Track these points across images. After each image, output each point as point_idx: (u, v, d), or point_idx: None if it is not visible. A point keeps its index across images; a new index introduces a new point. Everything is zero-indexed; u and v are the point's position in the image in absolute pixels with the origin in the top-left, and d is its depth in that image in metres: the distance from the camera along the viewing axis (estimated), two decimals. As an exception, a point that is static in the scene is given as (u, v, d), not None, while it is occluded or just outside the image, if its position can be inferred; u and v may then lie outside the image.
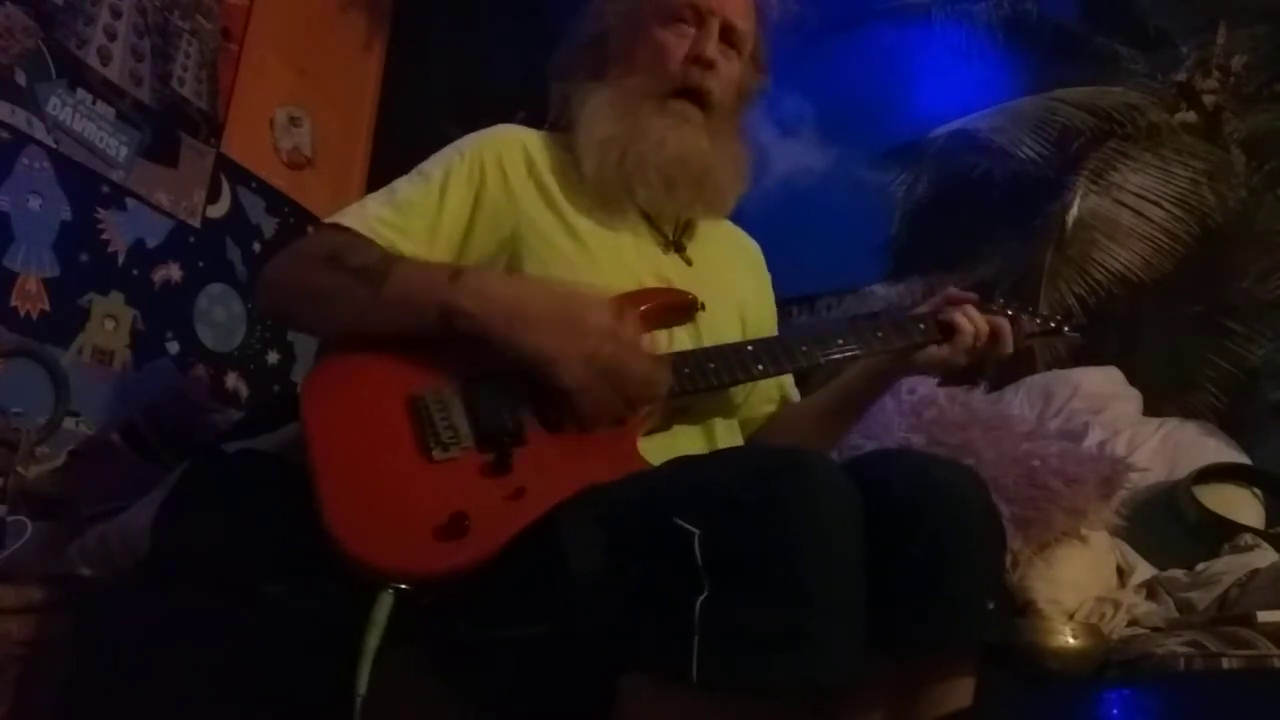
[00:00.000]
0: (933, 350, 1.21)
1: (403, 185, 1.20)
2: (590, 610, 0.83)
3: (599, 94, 1.24)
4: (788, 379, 1.37)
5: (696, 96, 1.23)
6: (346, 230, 1.14)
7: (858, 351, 1.20)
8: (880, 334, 1.21)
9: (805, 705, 0.85)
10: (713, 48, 1.23)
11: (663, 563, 0.80)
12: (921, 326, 1.23)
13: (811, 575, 0.78)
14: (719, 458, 1.00)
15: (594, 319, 1.01)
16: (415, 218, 1.16)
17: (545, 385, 1.01)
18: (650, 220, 1.27)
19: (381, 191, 1.20)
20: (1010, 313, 1.30)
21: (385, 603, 0.86)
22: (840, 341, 1.19)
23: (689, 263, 1.26)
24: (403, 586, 0.87)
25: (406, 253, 1.13)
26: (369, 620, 0.85)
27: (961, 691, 0.92)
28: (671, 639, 0.77)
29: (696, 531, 0.79)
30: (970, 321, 1.20)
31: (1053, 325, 1.37)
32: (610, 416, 1.02)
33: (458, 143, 1.25)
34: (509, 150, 1.23)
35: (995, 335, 1.23)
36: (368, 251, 1.10)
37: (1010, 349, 1.24)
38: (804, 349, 1.17)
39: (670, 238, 1.28)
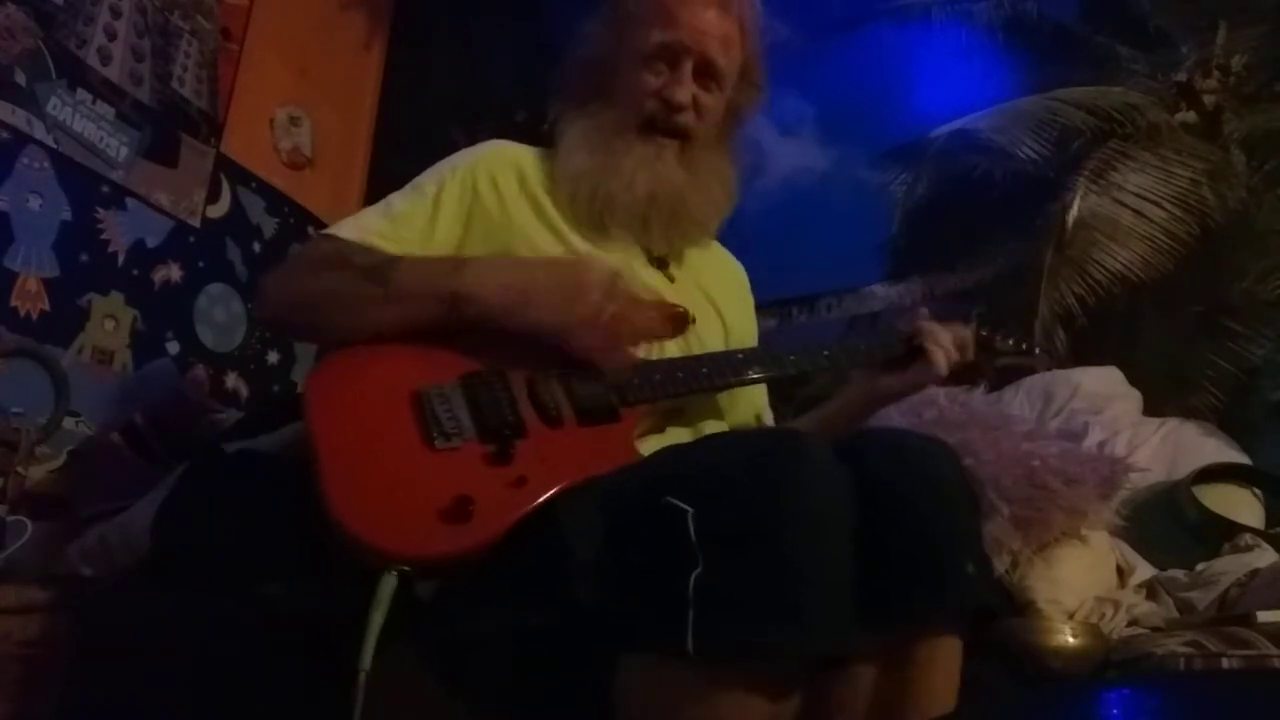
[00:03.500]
0: (909, 375, 1.29)
1: (397, 199, 1.25)
2: (590, 594, 0.84)
3: (578, 124, 1.29)
4: (764, 404, 1.41)
5: (670, 133, 1.27)
6: (344, 240, 1.18)
7: (844, 362, 1.29)
8: (864, 347, 1.30)
9: (800, 678, 0.85)
10: (683, 91, 1.26)
11: (658, 541, 0.82)
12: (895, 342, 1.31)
13: (802, 548, 0.80)
14: (711, 441, 1.03)
15: (591, 281, 1.08)
16: (409, 229, 1.20)
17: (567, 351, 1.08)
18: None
19: (377, 205, 1.25)
20: (984, 333, 1.39)
21: (389, 585, 0.86)
22: (826, 354, 1.26)
23: (671, 280, 1.30)
24: (405, 569, 0.87)
25: None
26: (374, 599, 0.85)
27: (949, 654, 0.92)
28: (667, 613, 0.79)
29: (690, 509, 0.81)
30: (939, 348, 1.27)
31: (1023, 347, 1.45)
32: (629, 359, 1.11)
33: (452, 157, 1.29)
34: (502, 167, 1.27)
35: (961, 348, 1.32)
36: (369, 253, 1.13)
37: (970, 357, 1.33)
38: (791, 358, 1.23)
39: (655, 254, 1.30)
